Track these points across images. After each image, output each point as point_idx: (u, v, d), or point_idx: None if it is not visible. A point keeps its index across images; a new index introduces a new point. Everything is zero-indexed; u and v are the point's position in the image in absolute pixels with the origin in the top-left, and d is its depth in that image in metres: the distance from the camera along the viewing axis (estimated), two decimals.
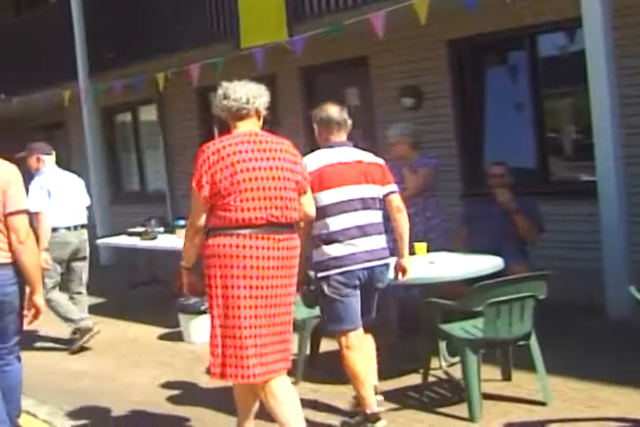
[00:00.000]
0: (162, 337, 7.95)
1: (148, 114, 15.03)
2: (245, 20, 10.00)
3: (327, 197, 4.90)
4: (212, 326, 4.32)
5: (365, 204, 5.01)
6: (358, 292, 4.96)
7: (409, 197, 6.88)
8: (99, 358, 7.36)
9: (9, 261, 4.66)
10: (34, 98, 13.95)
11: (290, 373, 5.87)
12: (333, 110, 5.21)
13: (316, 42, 8.96)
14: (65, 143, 17.67)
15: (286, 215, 4.35)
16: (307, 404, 5.44)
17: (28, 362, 6.99)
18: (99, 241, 10.51)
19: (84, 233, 7.84)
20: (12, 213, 4.65)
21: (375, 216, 5.07)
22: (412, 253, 5.93)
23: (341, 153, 5.14)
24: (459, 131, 9.58)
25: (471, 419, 4.95)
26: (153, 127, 14.84)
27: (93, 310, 9.13)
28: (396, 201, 5.11)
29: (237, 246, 4.21)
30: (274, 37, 9.46)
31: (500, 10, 8.47)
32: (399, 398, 5.47)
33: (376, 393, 5.00)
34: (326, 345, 6.36)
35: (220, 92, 4.53)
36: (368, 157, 5.22)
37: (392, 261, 5.17)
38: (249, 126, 4.48)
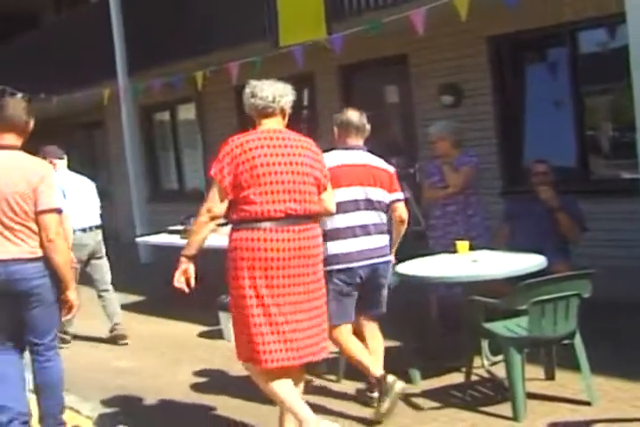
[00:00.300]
0: (202, 335, 7.98)
1: (187, 112, 15.10)
2: (284, 19, 10.01)
3: (335, 195, 5.00)
4: (233, 317, 4.53)
5: (370, 204, 5.33)
6: (356, 293, 5.30)
7: (450, 195, 6.88)
8: (140, 355, 7.40)
9: (35, 256, 4.72)
10: (73, 97, 14.06)
11: (331, 370, 5.99)
12: (353, 115, 5.50)
13: (355, 40, 8.95)
14: (104, 142, 17.84)
15: (305, 208, 4.50)
16: (349, 399, 5.50)
17: (73, 359, 7.09)
18: (138, 239, 10.58)
19: (99, 234, 8.00)
20: (42, 212, 4.70)
21: (378, 217, 5.39)
22: (453, 251, 5.94)
23: (354, 156, 5.45)
24: (498, 129, 9.52)
25: (515, 418, 4.91)
26: (191, 126, 14.92)
27: (133, 307, 9.22)
28: (400, 210, 5.49)
29: (258, 240, 4.37)
30: (312, 35, 9.46)
31: (540, 6, 8.41)
32: (441, 397, 5.46)
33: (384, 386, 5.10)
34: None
35: (247, 90, 4.71)
36: (379, 162, 5.50)
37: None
38: (273, 124, 4.65)
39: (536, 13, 8.57)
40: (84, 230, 7.74)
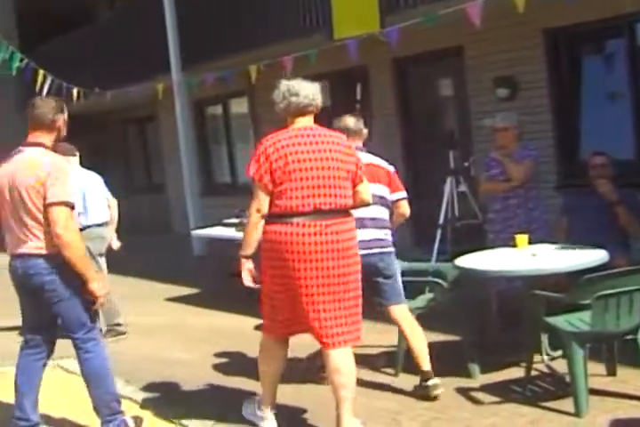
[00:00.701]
0: (257, 327, 7.99)
1: (239, 106, 15.16)
2: (338, 12, 9.98)
3: None
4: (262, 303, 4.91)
5: (374, 199, 5.37)
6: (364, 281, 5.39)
7: (512, 189, 6.84)
8: (195, 347, 7.43)
9: (44, 252, 4.79)
10: (127, 91, 14.15)
11: (390, 364, 5.98)
12: (350, 121, 5.88)
13: (410, 32, 8.88)
14: (156, 136, 17.97)
15: (335, 202, 4.71)
16: (406, 395, 5.48)
17: (132, 352, 7.20)
18: (193, 232, 10.65)
19: (112, 228, 8.21)
20: (50, 204, 4.74)
21: (376, 211, 5.59)
22: (513, 245, 5.89)
23: None
24: (555, 121, 9.43)
25: (577, 414, 4.86)
26: (244, 119, 14.97)
27: (187, 300, 9.27)
28: (404, 207, 5.86)
29: (289, 234, 4.62)
30: (367, 28, 9.41)
31: None
32: (502, 392, 5.41)
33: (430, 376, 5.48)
34: (428, 337, 6.34)
35: (283, 88, 4.87)
36: (379, 161, 5.82)
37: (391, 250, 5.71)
38: (305, 122, 4.86)
39: (594, 5, 8.45)
40: (100, 225, 7.90)
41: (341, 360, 4.73)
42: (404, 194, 5.82)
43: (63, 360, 7.04)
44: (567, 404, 4.96)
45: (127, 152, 20.29)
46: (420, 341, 5.58)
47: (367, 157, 5.64)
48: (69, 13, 18.80)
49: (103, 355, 5.05)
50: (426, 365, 5.47)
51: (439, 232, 8.61)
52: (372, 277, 5.51)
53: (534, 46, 9.42)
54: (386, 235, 5.68)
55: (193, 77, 12.68)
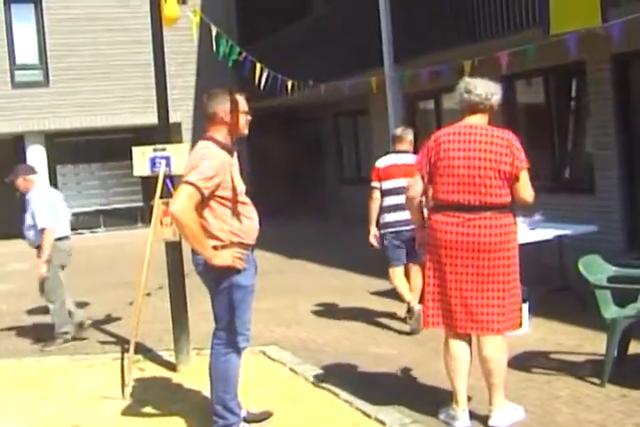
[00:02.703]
0: None
1: (452, 101, 14.96)
2: (556, 6, 9.66)
3: (386, 184, 7.82)
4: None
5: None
6: (404, 246, 7.77)
7: None
8: (399, 343, 7.39)
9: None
10: (341, 84, 14.33)
11: (595, 374, 5.76)
12: (398, 130, 8.30)
13: (633, 27, 8.51)
14: (368, 129, 18.12)
15: (479, 199, 4.92)
16: (614, 408, 5.25)
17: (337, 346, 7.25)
18: None
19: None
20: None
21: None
22: None
23: (400, 157, 7.92)
24: None
25: None
26: (455, 114, 14.75)
27: (391, 295, 9.23)
28: None
29: (436, 223, 5.04)
30: (586, 23, 9.06)
31: None
32: None
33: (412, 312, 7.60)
34: (636, 348, 6.08)
35: (461, 85, 5.13)
36: (409, 160, 7.49)
37: None
38: (475, 120, 5.07)
39: None
40: (68, 237, 8.31)
41: (486, 348, 4.98)
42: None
43: (269, 347, 7.28)
44: None
45: (339, 145, 20.61)
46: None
47: (410, 159, 7.45)
48: (286, 8, 19.29)
49: (218, 359, 5.09)
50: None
51: None
52: (409, 242, 7.48)
53: None
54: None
55: (405, 72, 12.68)
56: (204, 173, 4.75)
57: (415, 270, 7.79)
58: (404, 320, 7.92)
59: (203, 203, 4.81)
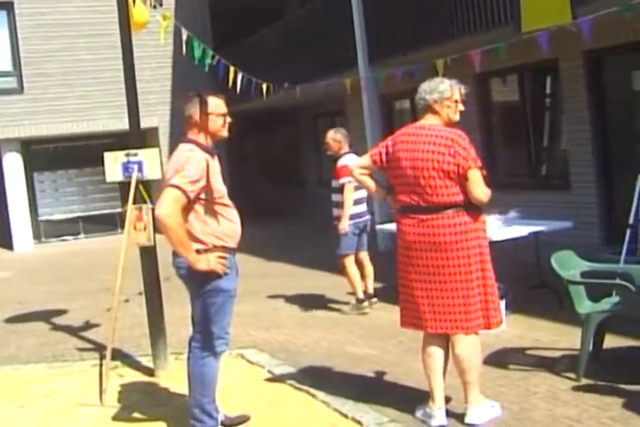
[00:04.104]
0: None
1: None
2: (526, 3, 9.70)
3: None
4: None
5: None
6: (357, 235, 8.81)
7: None
8: (378, 343, 7.40)
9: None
10: (316, 86, 14.34)
11: (571, 369, 5.78)
12: (330, 133, 9.41)
13: (603, 23, 8.54)
14: (345, 129, 18.09)
15: (426, 200, 4.96)
16: (589, 402, 5.27)
17: (317, 346, 7.25)
18: (377, 227, 10.66)
19: None
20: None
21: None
22: None
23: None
24: None
25: None
26: None
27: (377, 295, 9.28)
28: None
29: (400, 223, 5.14)
30: (557, 20, 9.08)
31: None
32: None
33: (370, 296, 8.89)
34: (611, 342, 6.11)
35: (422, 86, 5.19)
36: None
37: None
38: (427, 120, 5.12)
39: None
40: None
41: (458, 347, 5.01)
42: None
43: (247, 350, 7.27)
44: None
45: (317, 146, 20.60)
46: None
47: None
48: (260, 10, 19.28)
49: (196, 363, 5.08)
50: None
51: (629, 232, 8.24)
52: (365, 232, 8.90)
53: None
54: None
55: (380, 72, 12.70)
56: (190, 177, 4.74)
57: (365, 256, 8.97)
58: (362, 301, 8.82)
59: (187, 206, 4.79)
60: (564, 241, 7.69)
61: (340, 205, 8.65)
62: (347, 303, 8.98)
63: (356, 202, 8.66)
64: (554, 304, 7.65)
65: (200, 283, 4.92)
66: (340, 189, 8.63)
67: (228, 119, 5.12)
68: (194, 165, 4.79)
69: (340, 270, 9.03)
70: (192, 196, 4.76)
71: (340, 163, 8.79)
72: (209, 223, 4.90)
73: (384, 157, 5.19)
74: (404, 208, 5.11)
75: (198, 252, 4.81)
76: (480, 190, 4.92)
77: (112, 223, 20.42)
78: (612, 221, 10.64)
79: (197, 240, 4.85)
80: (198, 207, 4.87)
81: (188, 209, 4.81)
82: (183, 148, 4.96)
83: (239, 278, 5.12)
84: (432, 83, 5.12)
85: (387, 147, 5.19)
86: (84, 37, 19.58)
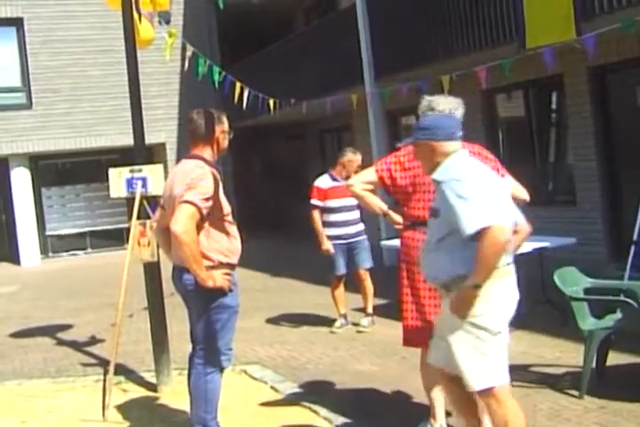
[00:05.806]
0: None
1: None
2: (531, 20, 9.74)
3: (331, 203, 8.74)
4: None
5: (354, 207, 8.76)
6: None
7: None
8: (381, 360, 7.39)
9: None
10: (322, 102, 14.39)
11: (574, 386, 5.75)
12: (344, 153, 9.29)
13: (607, 40, 8.58)
14: (351, 145, 18.11)
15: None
16: (592, 419, 5.25)
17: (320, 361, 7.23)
18: (382, 242, 10.66)
19: None
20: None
21: (357, 214, 8.85)
22: None
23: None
24: None
25: None
26: None
27: (378, 311, 9.28)
28: None
29: (413, 239, 5.05)
30: (561, 36, 9.13)
31: None
32: None
33: (367, 314, 8.85)
34: (615, 359, 6.08)
35: (424, 104, 5.05)
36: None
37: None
38: None
39: None
40: None
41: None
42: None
43: (251, 366, 7.26)
44: None
45: (325, 161, 20.63)
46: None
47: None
48: (268, 27, 19.36)
49: (201, 379, 5.07)
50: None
51: (633, 248, 8.22)
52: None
53: None
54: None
55: (386, 88, 12.74)
56: (204, 194, 4.79)
57: (365, 274, 8.87)
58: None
59: (198, 223, 4.81)
60: (568, 257, 7.69)
61: (325, 224, 8.77)
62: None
63: (339, 224, 8.72)
64: (558, 321, 7.62)
65: (207, 299, 4.92)
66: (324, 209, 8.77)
67: (230, 135, 5.17)
68: (207, 182, 4.83)
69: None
70: (205, 212, 4.80)
71: (316, 183, 8.91)
72: (217, 240, 4.92)
73: (394, 173, 5.08)
74: (414, 224, 5.01)
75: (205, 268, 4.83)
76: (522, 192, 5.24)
77: (119, 238, 20.43)
78: (617, 237, 10.62)
79: (205, 257, 4.85)
80: (207, 224, 4.88)
81: (197, 226, 4.82)
82: (192, 164, 4.97)
83: (242, 294, 5.13)
84: (451, 99, 5.08)
85: (394, 164, 5.09)
86: (92, 53, 19.70)
